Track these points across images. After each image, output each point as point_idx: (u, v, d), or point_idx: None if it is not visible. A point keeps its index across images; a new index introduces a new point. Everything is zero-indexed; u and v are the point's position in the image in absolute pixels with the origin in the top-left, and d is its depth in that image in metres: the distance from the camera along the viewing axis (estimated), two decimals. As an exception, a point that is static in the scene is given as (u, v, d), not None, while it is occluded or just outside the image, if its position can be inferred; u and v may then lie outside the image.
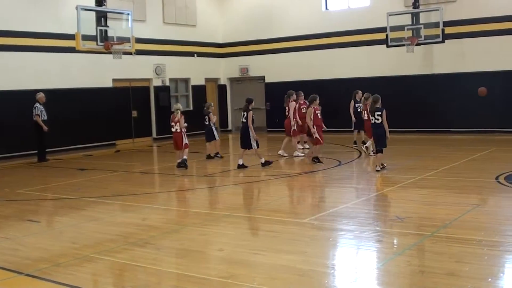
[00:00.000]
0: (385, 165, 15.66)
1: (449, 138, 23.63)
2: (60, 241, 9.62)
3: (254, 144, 16.95)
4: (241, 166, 16.88)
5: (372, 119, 15.48)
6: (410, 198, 12.20)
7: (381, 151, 15.39)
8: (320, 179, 15.27)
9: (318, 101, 17.39)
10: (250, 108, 17.05)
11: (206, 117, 19.22)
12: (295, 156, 18.99)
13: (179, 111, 17.41)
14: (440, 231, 8.99)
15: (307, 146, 20.41)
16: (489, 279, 6.89)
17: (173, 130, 17.49)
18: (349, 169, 16.57)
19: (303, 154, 18.99)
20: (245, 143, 17.05)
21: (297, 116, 19.20)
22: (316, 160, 17.01)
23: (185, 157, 17.30)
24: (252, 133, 16.84)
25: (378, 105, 15.33)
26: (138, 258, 8.25)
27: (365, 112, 17.84)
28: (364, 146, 18.48)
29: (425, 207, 11.32)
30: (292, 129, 19.37)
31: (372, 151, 17.56)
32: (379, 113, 15.19)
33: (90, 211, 12.03)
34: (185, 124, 17.47)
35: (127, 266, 7.98)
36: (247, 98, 17.59)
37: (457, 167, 15.79)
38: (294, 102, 19.47)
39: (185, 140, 17.33)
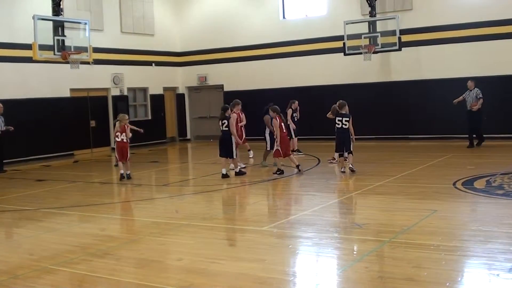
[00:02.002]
0: (353, 167, 16.23)
1: (407, 144, 23.88)
2: (18, 253, 9.49)
3: (236, 152, 16.76)
4: (225, 176, 16.44)
5: (338, 124, 16.05)
6: (368, 204, 12.29)
7: (351, 152, 16.20)
8: (279, 186, 15.30)
9: (240, 107, 17.85)
10: (228, 115, 16.73)
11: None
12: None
13: (127, 121, 17.16)
14: (398, 237, 9.07)
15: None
16: (447, 284, 6.96)
17: (118, 139, 16.98)
18: (308, 177, 16.61)
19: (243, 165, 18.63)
20: (227, 151, 16.63)
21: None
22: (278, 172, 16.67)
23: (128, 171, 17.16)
24: (236, 139, 16.66)
25: (345, 110, 16.05)
26: (97, 269, 8.17)
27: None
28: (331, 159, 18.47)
29: (384, 214, 11.42)
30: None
31: (333, 158, 17.92)
32: (347, 119, 15.97)
33: (48, 222, 11.89)
34: (130, 135, 17.20)
35: (87, 277, 7.90)
36: (222, 106, 17.41)
37: (415, 173, 15.95)
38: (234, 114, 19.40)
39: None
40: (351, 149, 16.23)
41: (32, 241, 10.28)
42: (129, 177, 17.07)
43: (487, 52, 23.50)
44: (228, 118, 16.65)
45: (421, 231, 9.45)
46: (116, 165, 18.25)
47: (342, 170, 16.44)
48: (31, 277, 7.95)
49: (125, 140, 16.96)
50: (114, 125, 17.85)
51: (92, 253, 9.03)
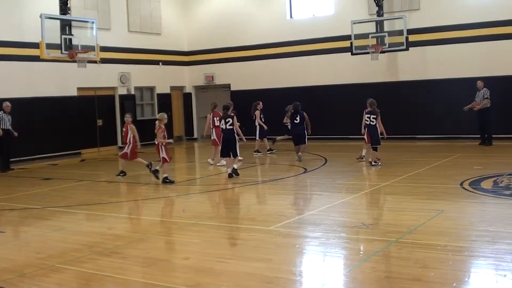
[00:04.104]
0: (378, 161, 17.42)
1: (414, 144, 23.84)
2: (25, 251, 9.52)
3: (238, 151, 16.68)
4: (232, 174, 16.43)
5: (367, 121, 17.53)
6: (375, 204, 12.29)
7: (375, 148, 17.45)
8: (285, 186, 15.29)
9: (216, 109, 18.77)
10: (231, 114, 16.73)
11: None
12: (219, 165, 18.87)
13: (163, 121, 16.24)
14: (405, 237, 9.06)
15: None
16: (454, 284, 6.95)
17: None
18: (315, 177, 16.61)
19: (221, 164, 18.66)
20: (229, 150, 16.50)
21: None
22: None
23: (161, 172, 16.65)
24: (241, 137, 16.75)
25: (374, 108, 17.54)
26: (104, 268, 8.19)
27: None
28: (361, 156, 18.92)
29: (391, 214, 11.41)
30: (213, 139, 19.62)
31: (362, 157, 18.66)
32: (375, 116, 17.38)
33: (55, 221, 11.91)
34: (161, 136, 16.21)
35: (94, 276, 7.92)
36: (224, 104, 17.16)
37: (422, 174, 15.92)
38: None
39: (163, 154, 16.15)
40: (378, 144, 17.51)
41: (39, 240, 10.31)
42: (156, 174, 16.41)
43: (495, 52, 23.43)
44: (232, 117, 16.57)
45: (428, 231, 9.43)
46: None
47: (373, 163, 17.42)
48: (38, 276, 7.97)
49: (156, 142, 16.08)
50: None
51: (99, 252, 9.04)
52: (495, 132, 21.94)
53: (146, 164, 16.95)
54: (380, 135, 17.54)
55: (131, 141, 17.21)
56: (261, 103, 21.75)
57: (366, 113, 17.69)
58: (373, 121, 17.46)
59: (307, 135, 19.75)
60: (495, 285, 7.07)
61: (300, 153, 19.50)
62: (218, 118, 18.02)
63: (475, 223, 10.12)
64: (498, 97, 21.92)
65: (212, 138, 19.55)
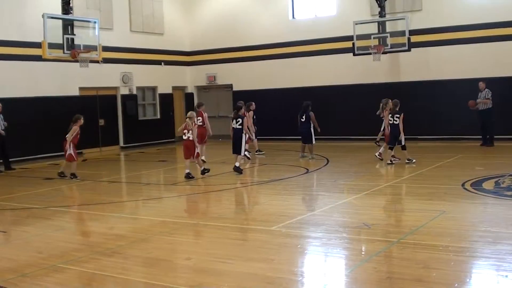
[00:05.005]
0: (397, 159, 18.03)
1: (415, 145, 23.77)
2: (26, 251, 9.52)
3: (244, 150, 17.57)
4: (238, 169, 17.18)
5: (391, 120, 17.96)
6: (377, 205, 12.28)
7: (391, 148, 17.99)
8: (287, 187, 15.27)
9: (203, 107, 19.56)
10: (242, 114, 17.61)
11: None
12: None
13: (194, 119, 16.82)
14: (407, 238, 9.06)
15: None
16: (456, 285, 6.96)
17: (184, 137, 16.63)
18: (317, 177, 16.62)
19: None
20: (237, 149, 17.38)
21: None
22: (72, 176, 17.37)
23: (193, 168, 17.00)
24: (247, 137, 17.59)
25: (398, 108, 18.02)
26: (105, 268, 8.19)
27: None
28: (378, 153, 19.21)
29: (392, 214, 11.41)
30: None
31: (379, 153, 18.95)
32: (398, 115, 17.82)
33: (57, 221, 11.92)
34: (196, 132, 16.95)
35: (95, 276, 7.92)
36: (236, 105, 18.45)
37: (423, 174, 15.92)
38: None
39: (198, 149, 16.83)
40: (400, 143, 18.01)
41: (40, 240, 10.31)
42: (189, 176, 16.56)
43: (497, 53, 23.41)
44: (242, 117, 17.36)
45: (430, 232, 9.43)
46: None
47: (389, 161, 17.75)
48: (40, 275, 7.97)
49: (191, 138, 16.44)
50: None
51: (100, 252, 9.05)
52: (496, 133, 21.97)
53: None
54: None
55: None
56: (253, 103, 21.57)
57: (390, 113, 18.13)
58: (396, 121, 17.83)
59: (315, 134, 20.15)
60: (497, 286, 7.07)
61: (304, 153, 20.07)
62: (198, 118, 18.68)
63: (476, 224, 10.11)
64: (500, 98, 21.92)
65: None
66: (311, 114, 20.13)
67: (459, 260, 7.89)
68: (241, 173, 17.05)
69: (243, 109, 18.06)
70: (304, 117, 20.20)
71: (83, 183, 17.02)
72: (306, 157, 20.03)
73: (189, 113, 17.10)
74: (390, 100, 18.61)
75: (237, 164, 17.17)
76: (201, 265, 8.25)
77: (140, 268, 8.39)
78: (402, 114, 17.91)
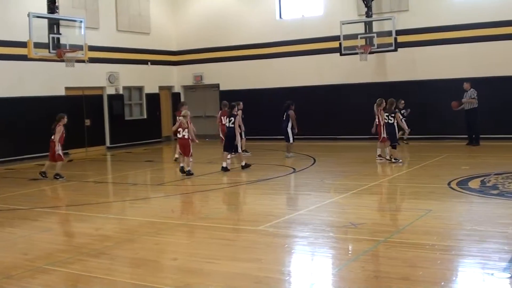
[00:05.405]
0: (398, 159, 17.94)
1: (402, 145, 23.87)
2: (11, 253, 9.46)
3: (239, 147, 18.03)
4: (226, 169, 17.47)
5: (386, 119, 18.03)
6: (363, 204, 12.29)
7: (394, 146, 18.03)
8: (274, 186, 15.28)
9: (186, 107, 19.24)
10: (235, 112, 17.87)
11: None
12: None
13: (188, 117, 16.99)
14: (393, 237, 9.09)
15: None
16: (442, 283, 6.98)
17: (179, 136, 16.85)
18: (303, 176, 16.63)
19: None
20: (232, 146, 17.82)
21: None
22: (57, 176, 17.38)
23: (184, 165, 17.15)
24: (238, 136, 17.77)
25: (393, 107, 18.28)
26: (92, 269, 8.15)
27: None
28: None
29: (379, 213, 11.44)
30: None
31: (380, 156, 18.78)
32: (393, 114, 18.04)
33: (43, 222, 11.86)
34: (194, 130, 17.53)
35: (82, 277, 7.88)
36: (230, 104, 18.64)
37: (410, 173, 15.97)
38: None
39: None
40: (395, 142, 18.16)
41: (26, 241, 10.24)
42: (189, 173, 16.86)
43: (483, 53, 23.52)
44: (235, 116, 17.69)
45: (416, 231, 9.47)
46: (176, 160, 19.23)
47: (394, 160, 17.90)
48: (25, 277, 7.92)
49: (186, 137, 16.71)
50: (174, 120, 17.83)
51: (87, 253, 9.01)
52: (482, 132, 22.05)
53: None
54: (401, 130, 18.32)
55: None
56: (241, 103, 21.39)
57: (385, 112, 18.19)
58: (391, 120, 17.97)
59: (295, 134, 20.38)
60: (483, 284, 7.10)
61: (287, 152, 20.49)
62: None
63: (462, 223, 10.15)
64: (485, 97, 22.01)
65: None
66: (291, 113, 20.34)
67: (445, 259, 7.92)
68: (228, 170, 17.40)
69: (236, 108, 18.24)
70: (284, 116, 20.50)
71: (69, 184, 16.95)
72: (290, 156, 20.20)
73: (183, 112, 17.35)
74: (384, 100, 18.56)
75: (224, 164, 17.37)
76: (188, 265, 8.23)
77: (127, 268, 8.37)
78: (397, 113, 18.23)
